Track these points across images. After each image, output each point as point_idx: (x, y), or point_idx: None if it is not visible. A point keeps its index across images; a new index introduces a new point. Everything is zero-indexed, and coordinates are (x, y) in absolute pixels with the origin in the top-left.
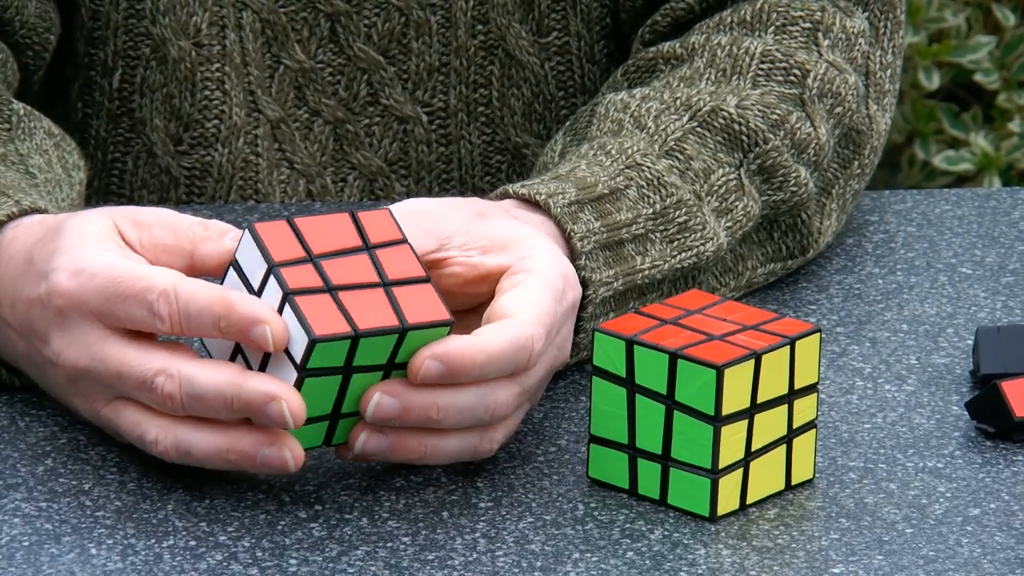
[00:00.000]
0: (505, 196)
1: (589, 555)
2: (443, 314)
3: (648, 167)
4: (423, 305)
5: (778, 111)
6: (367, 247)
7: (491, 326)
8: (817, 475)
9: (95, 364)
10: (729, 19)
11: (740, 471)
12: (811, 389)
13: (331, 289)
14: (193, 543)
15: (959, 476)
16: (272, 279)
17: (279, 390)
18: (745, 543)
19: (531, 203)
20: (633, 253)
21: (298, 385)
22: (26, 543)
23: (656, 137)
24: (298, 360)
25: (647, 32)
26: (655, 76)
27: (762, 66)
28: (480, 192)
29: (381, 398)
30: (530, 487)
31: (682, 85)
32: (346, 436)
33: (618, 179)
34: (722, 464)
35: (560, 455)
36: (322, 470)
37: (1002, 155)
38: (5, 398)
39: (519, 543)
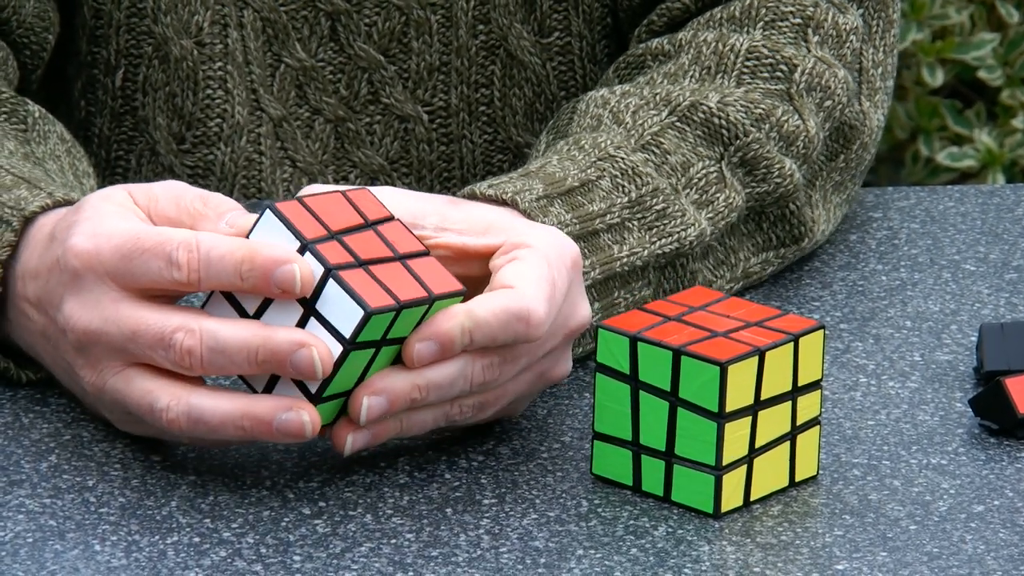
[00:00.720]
0: (472, 196)
1: (593, 552)
2: (456, 284)
3: (622, 159)
4: (437, 276)
5: (763, 106)
6: (368, 224)
7: (483, 295)
8: (821, 472)
9: (108, 326)
10: (719, 15)
11: (744, 468)
12: (815, 386)
13: (362, 263)
14: (197, 539)
15: (963, 473)
16: (309, 255)
17: (308, 337)
18: (749, 539)
19: (499, 202)
20: (610, 242)
21: (341, 360)
22: (30, 539)
23: (633, 131)
24: (347, 334)
25: (643, 31)
26: (642, 72)
27: (747, 63)
28: None
29: (369, 401)
30: (534, 484)
31: (665, 81)
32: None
33: (589, 171)
34: (726, 461)
35: (564, 452)
36: (326, 467)
37: (1005, 152)
38: (9, 394)
39: (523, 540)
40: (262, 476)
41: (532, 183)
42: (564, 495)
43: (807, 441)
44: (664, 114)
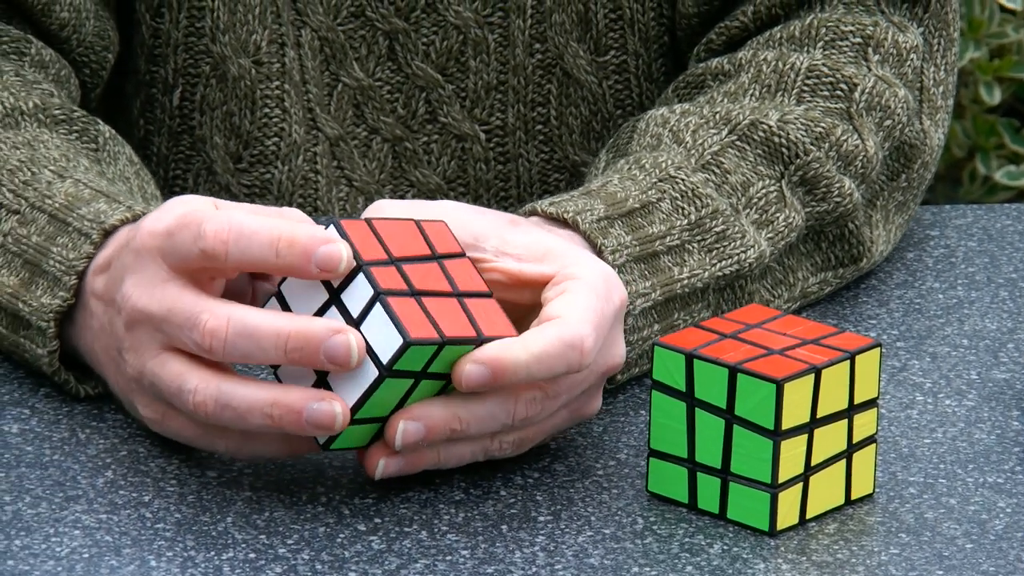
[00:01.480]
0: (533, 213)
1: (648, 569)
2: (511, 331)
3: (682, 180)
4: (492, 319)
5: (822, 124)
6: (435, 256)
7: (536, 328)
8: (877, 490)
9: (152, 304)
10: (779, 35)
11: (800, 486)
12: (871, 404)
13: (415, 293)
14: (253, 555)
15: (1020, 491)
16: (361, 277)
17: (344, 325)
18: (805, 558)
19: (560, 221)
20: (670, 264)
21: (376, 385)
22: (86, 555)
23: (693, 151)
24: (385, 360)
25: (702, 50)
26: (702, 92)
27: (807, 81)
28: None
29: (406, 425)
30: (589, 501)
31: (725, 100)
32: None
33: (650, 192)
34: (782, 479)
35: (619, 469)
36: (381, 483)
37: None
38: (66, 410)
39: (578, 557)
40: (317, 492)
41: (593, 203)
42: (619, 512)
43: (863, 459)
44: (724, 133)
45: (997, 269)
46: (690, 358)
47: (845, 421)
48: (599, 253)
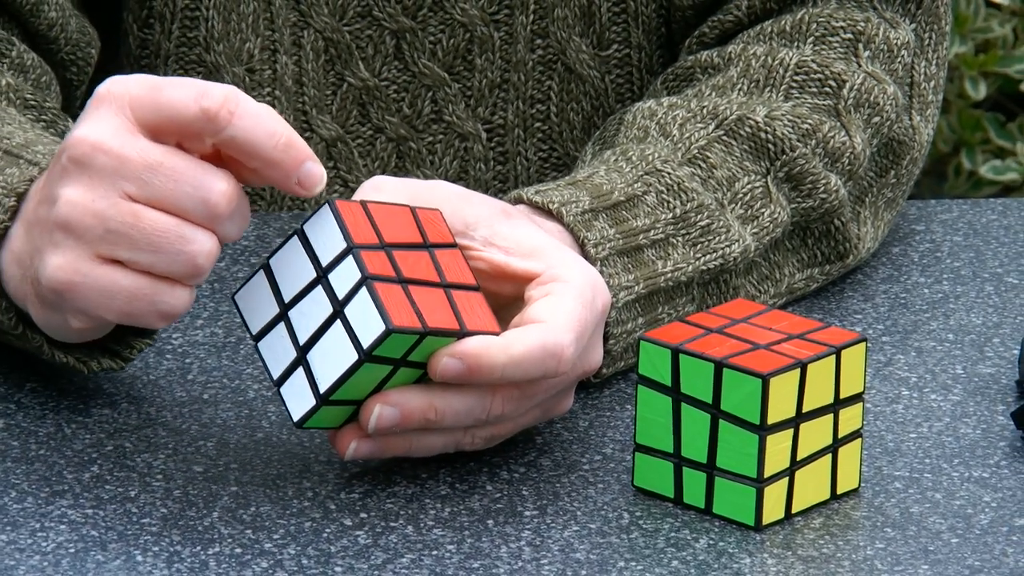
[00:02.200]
0: (519, 200)
1: (634, 564)
2: (494, 326)
3: (668, 173)
4: (476, 313)
5: (809, 121)
6: (426, 245)
7: (519, 329)
8: (863, 484)
9: (125, 148)
10: (769, 29)
11: (785, 480)
12: (857, 398)
13: (402, 281)
14: (239, 551)
15: (1005, 486)
16: (350, 259)
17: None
18: (790, 552)
19: (544, 211)
20: (653, 257)
21: (355, 368)
22: (72, 550)
23: (680, 145)
24: (365, 345)
25: (694, 43)
26: (691, 85)
27: (796, 77)
28: None
29: (381, 410)
30: (575, 496)
31: (713, 94)
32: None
33: (635, 185)
34: (767, 473)
35: (605, 464)
36: (368, 478)
37: None
38: (52, 405)
39: (564, 552)
40: (304, 487)
41: (579, 194)
42: (605, 507)
43: (849, 454)
44: (711, 128)
45: (982, 264)
46: (676, 353)
47: (831, 416)
48: (581, 246)
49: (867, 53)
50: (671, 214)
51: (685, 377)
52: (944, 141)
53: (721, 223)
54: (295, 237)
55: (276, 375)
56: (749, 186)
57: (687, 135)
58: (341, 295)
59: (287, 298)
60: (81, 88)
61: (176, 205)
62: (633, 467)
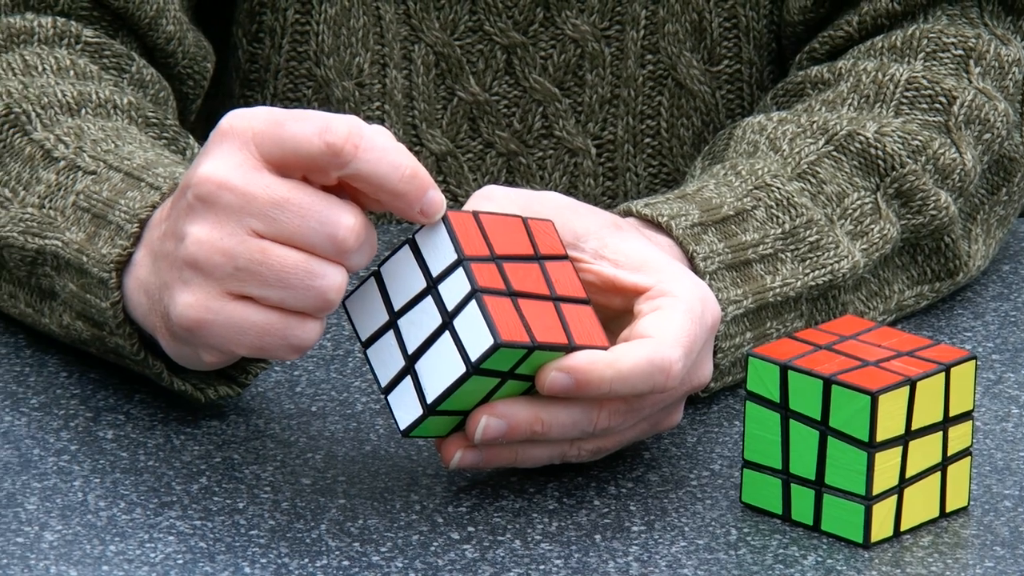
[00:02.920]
0: (628, 213)
1: None
2: (603, 340)
3: (778, 188)
4: (586, 327)
5: (920, 137)
6: (537, 257)
7: (627, 344)
8: (972, 503)
9: (251, 185)
10: (880, 44)
11: (894, 498)
12: (966, 416)
13: (512, 294)
14: (346, 563)
15: None
16: (460, 272)
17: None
18: (899, 570)
19: (654, 224)
20: (762, 272)
21: (462, 380)
22: (180, 561)
23: (789, 160)
24: (473, 359)
25: (804, 58)
26: (800, 100)
27: (906, 93)
28: None
29: (488, 420)
30: (683, 511)
31: (823, 109)
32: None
33: (745, 200)
34: (876, 491)
35: (713, 480)
36: (475, 492)
37: None
38: (160, 416)
39: (672, 567)
40: (411, 500)
41: (688, 207)
42: (713, 523)
43: (958, 472)
44: (821, 143)
45: None
46: (785, 369)
47: (940, 433)
48: (691, 260)
49: (978, 70)
50: (780, 229)
51: (794, 393)
52: None
53: (830, 239)
54: (406, 246)
55: (384, 383)
56: (859, 202)
57: (797, 150)
58: (450, 307)
59: (397, 307)
60: (196, 102)
61: (304, 241)
62: (741, 483)
